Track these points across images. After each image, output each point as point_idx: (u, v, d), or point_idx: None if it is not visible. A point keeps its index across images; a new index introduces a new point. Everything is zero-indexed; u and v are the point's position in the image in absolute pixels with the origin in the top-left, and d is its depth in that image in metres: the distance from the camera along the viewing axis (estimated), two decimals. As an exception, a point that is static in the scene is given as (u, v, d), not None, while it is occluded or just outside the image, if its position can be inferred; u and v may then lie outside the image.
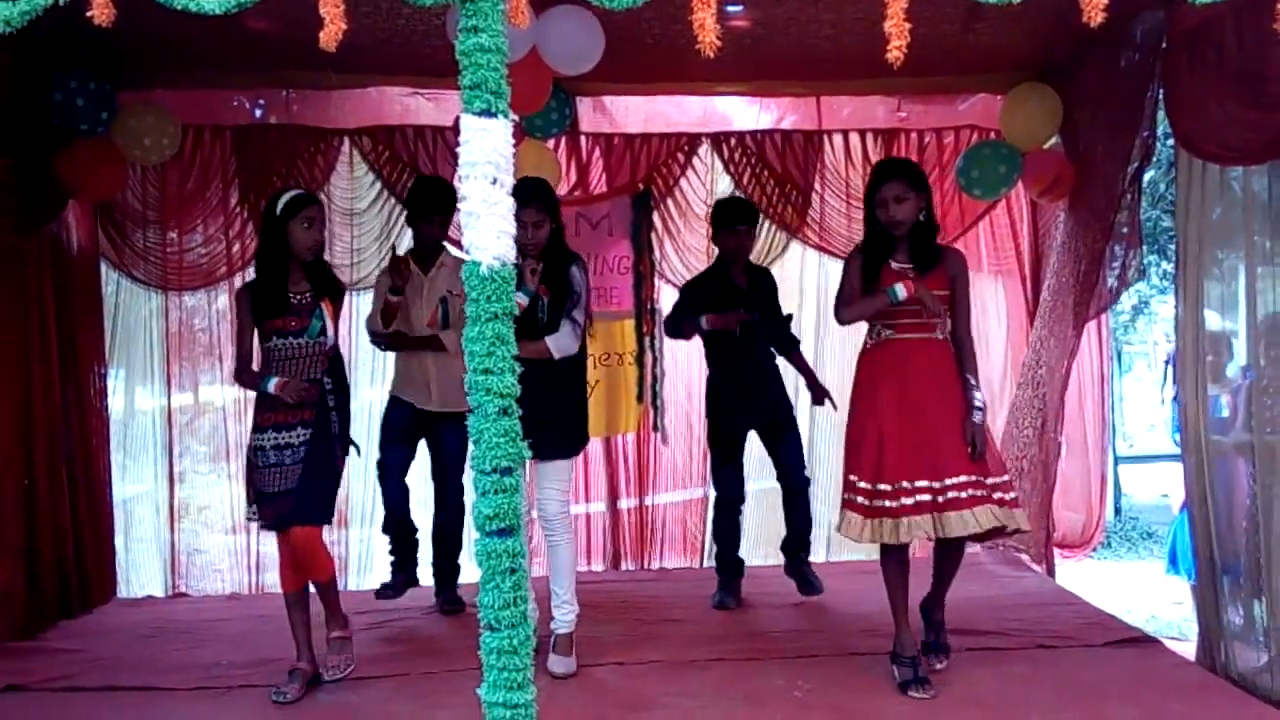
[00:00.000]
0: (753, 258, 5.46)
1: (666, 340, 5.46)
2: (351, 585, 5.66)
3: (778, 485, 4.95)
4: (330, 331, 3.78)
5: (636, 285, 5.49)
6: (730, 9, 4.39)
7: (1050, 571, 5.69)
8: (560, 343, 3.92)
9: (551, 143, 5.49)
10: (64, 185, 4.86)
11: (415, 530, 4.80)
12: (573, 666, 3.95)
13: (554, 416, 3.86)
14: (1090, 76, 5.08)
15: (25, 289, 4.81)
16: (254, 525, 4.18)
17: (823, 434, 5.87)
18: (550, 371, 3.86)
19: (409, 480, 4.76)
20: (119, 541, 5.63)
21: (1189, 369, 4.00)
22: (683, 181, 5.71)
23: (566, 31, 4.12)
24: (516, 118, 5.10)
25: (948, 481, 3.50)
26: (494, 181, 2.44)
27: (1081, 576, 6.12)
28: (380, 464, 4.68)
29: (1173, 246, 5.04)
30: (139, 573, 5.74)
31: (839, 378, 5.03)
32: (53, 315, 4.99)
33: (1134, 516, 9.84)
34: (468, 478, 4.26)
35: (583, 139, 5.67)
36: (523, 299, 3.62)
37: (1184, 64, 4.06)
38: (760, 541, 5.27)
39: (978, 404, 3.65)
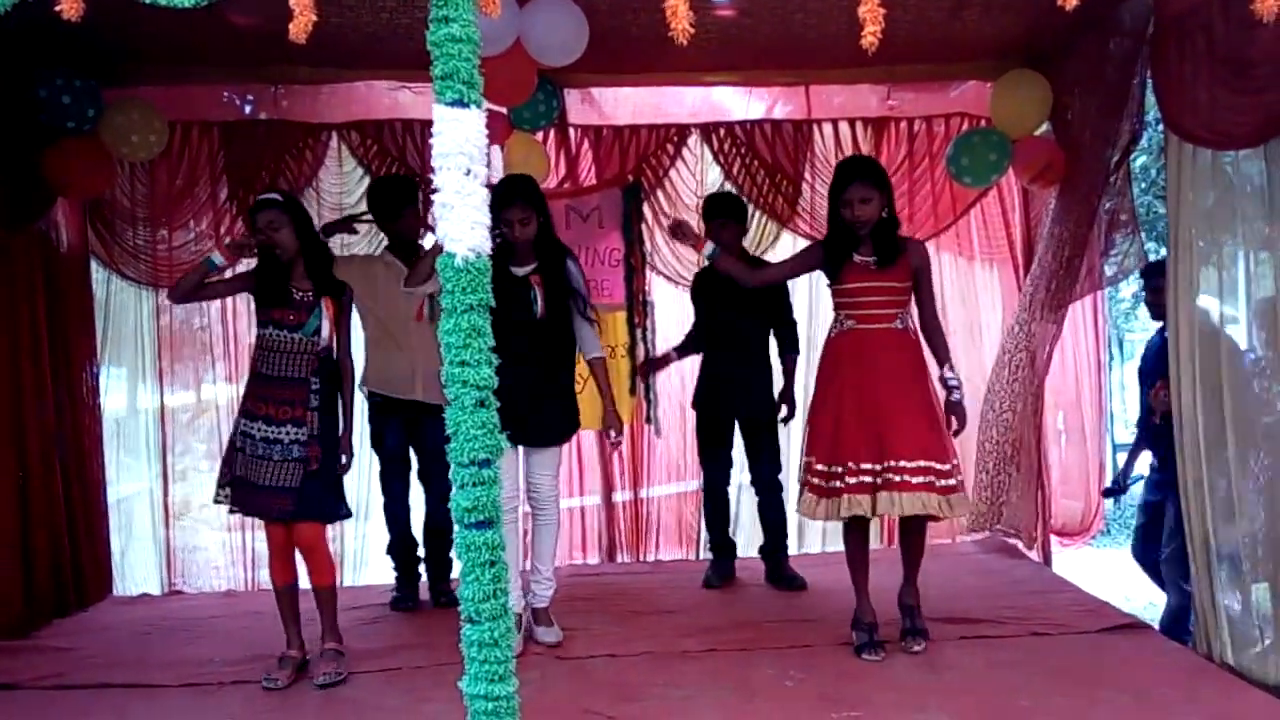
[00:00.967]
0: (745, 247, 5.47)
1: (658, 333, 5.46)
2: (347, 581, 5.66)
3: None
4: (326, 332, 3.85)
5: (628, 278, 5.47)
6: (715, -1, 4.37)
7: (1046, 559, 5.70)
8: (597, 346, 4.27)
9: (540, 135, 5.47)
10: (52, 183, 4.86)
11: (416, 546, 4.95)
12: (559, 634, 4.18)
13: (545, 405, 4.07)
14: (1079, 62, 5.05)
15: (15, 287, 4.80)
16: (239, 517, 4.41)
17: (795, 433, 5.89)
18: (540, 361, 4.02)
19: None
20: (116, 540, 5.63)
21: (1183, 355, 3.97)
22: (672, 172, 5.69)
23: (549, 22, 4.12)
24: (504, 110, 5.12)
25: (888, 464, 3.73)
26: (467, 172, 2.43)
27: (1080, 564, 6.11)
28: (385, 499, 4.88)
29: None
30: (135, 571, 5.74)
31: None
32: (43, 313, 5.00)
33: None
34: None
35: (571, 131, 5.64)
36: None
37: (1172, 48, 4.03)
38: (755, 535, 5.26)
39: (953, 383, 3.88)
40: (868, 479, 3.75)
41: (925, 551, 4.04)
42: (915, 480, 3.73)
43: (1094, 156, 4.89)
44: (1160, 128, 4.60)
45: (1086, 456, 5.95)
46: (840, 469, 3.79)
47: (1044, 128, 5.46)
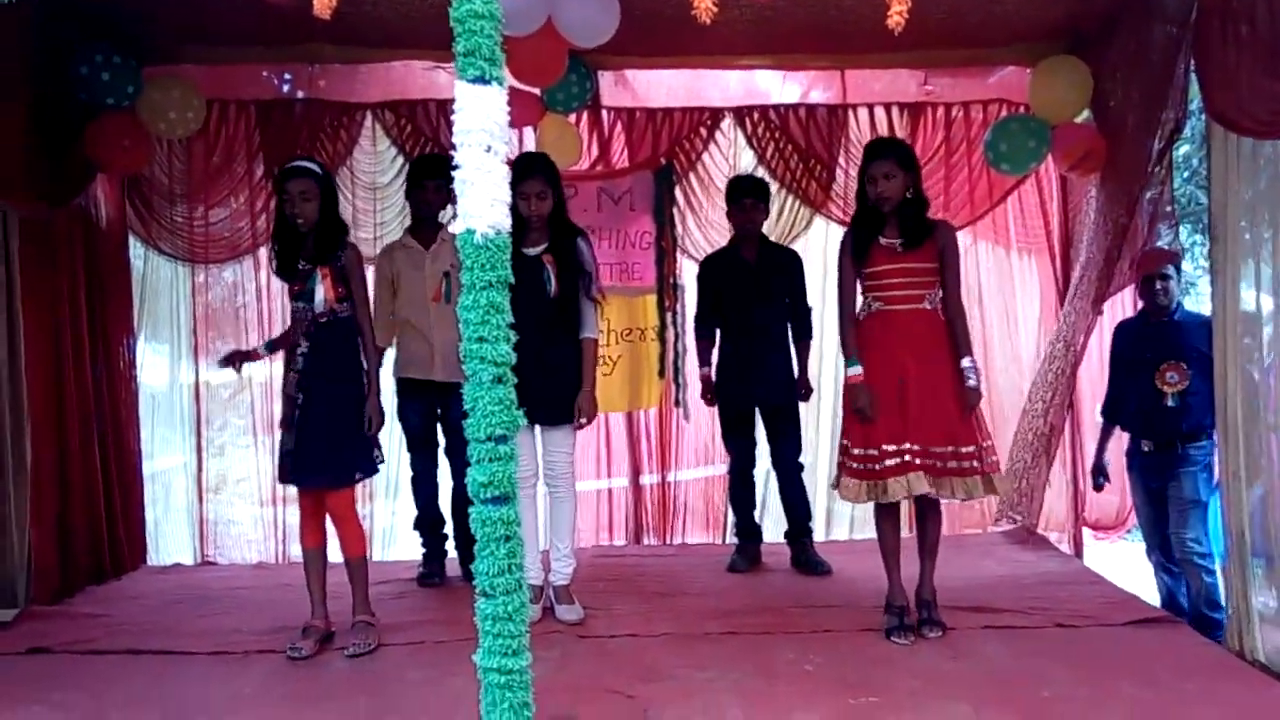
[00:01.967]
0: (776, 232, 5.45)
1: (688, 316, 5.45)
2: (375, 556, 5.72)
3: None
4: (320, 298, 3.85)
5: (659, 260, 5.49)
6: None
7: (1078, 552, 5.64)
8: (593, 327, 4.23)
9: (573, 117, 5.47)
10: (91, 159, 4.94)
11: (444, 523, 4.98)
12: (581, 613, 4.21)
13: (559, 384, 4.10)
14: (1121, 48, 4.97)
15: (55, 261, 4.89)
16: (272, 492, 4.61)
17: (825, 421, 5.90)
18: (554, 340, 4.05)
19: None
20: (151, 511, 5.73)
21: (1226, 348, 3.90)
22: (705, 156, 5.68)
23: (582, 3, 4.10)
24: (538, 91, 5.12)
25: (912, 446, 3.77)
26: (488, 149, 2.42)
27: (1114, 558, 6.03)
28: (412, 475, 4.94)
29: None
30: (169, 542, 5.84)
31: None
32: (83, 287, 5.09)
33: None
34: None
35: (604, 113, 5.64)
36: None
37: (1215, 35, 3.95)
38: (781, 519, 5.24)
39: (969, 372, 3.85)
40: (896, 460, 3.78)
41: (948, 541, 4.05)
42: (939, 464, 3.77)
43: (1137, 145, 4.80)
44: (1202, 116, 4.53)
45: (1121, 450, 5.86)
46: (875, 451, 3.80)
47: (1084, 115, 5.39)
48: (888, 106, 5.71)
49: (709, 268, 5.13)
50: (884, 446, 3.79)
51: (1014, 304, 6.05)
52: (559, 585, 4.27)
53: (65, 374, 4.93)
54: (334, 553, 4.11)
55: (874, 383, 3.86)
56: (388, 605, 4.50)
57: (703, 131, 5.68)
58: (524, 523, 2.56)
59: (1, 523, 4.55)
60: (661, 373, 5.49)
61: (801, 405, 5.10)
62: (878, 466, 3.79)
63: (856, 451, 3.87)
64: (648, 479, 5.93)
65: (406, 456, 5.02)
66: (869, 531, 5.50)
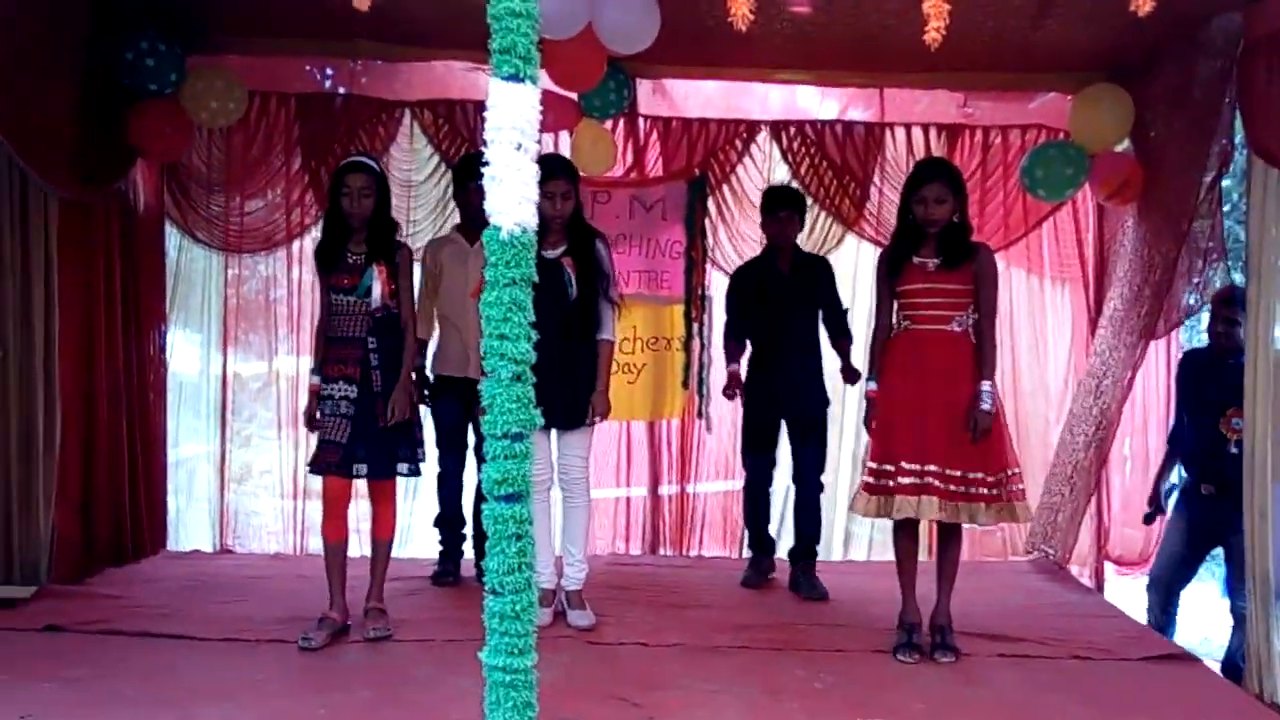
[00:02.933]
0: (807, 248, 5.42)
1: (715, 327, 5.43)
2: (394, 553, 5.72)
3: None
4: (377, 294, 3.92)
5: (688, 271, 5.49)
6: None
7: (1099, 585, 5.57)
8: (610, 329, 4.22)
9: (609, 124, 5.48)
10: (132, 144, 5.00)
11: (464, 523, 5.00)
12: (592, 618, 4.20)
13: (576, 386, 4.11)
14: (1164, 79, 4.94)
15: (92, 243, 4.93)
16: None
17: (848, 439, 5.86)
18: (572, 343, 4.06)
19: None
20: (174, 498, 5.78)
21: (1259, 385, 3.85)
22: (739, 168, 5.67)
23: (621, 9, 4.11)
24: (575, 96, 5.14)
25: (930, 468, 3.76)
26: (518, 147, 2.43)
27: (1137, 593, 5.94)
28: (439, 472, 4.92)
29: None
30: (189, 529, 5.87)
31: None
32: (118, 271, 5.13)
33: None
34: None
35: (641, 121, 5.65)
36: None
37: (1261, 69, 3.92)
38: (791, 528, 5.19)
39: (985, 397, 3.79)
40: (915, 480, 3.78)
41: (967, 567, 4.01)
42: (956, 489, 3.76)
43: (1179, 177, 4.77)
44: (1244, 150, 4.48)
45: (1147, 485, 5.79)
46: (891, 468, 3.81)
47: (1124, 144, 5.34)
48: (925, 127, 5.69)
49: (742, 277, 5.09)
50: (901, 464, 3.80)
51: (1044, 332, 6.00)
52: (571, 590, 4.27)
53: (97, 356, 4.98)
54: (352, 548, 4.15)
55: (899, 401, 3.88)
56: (401, 602, 4.52)
57: (738, 144, 5.67)
58: (537, 526, 2.55)
59: (29, 501, 4.61)
60: (685, 383, 5.49)
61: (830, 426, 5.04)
62: (891, 483, 3.81)
63: (872, 465, 3.91)
64: (666, 489, 5.90)
65: (434, 454, 4.98)
66: (886, 554, 5.47)
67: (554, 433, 4.15)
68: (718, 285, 5.57)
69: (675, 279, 5.48)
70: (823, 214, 5.64)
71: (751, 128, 5.68)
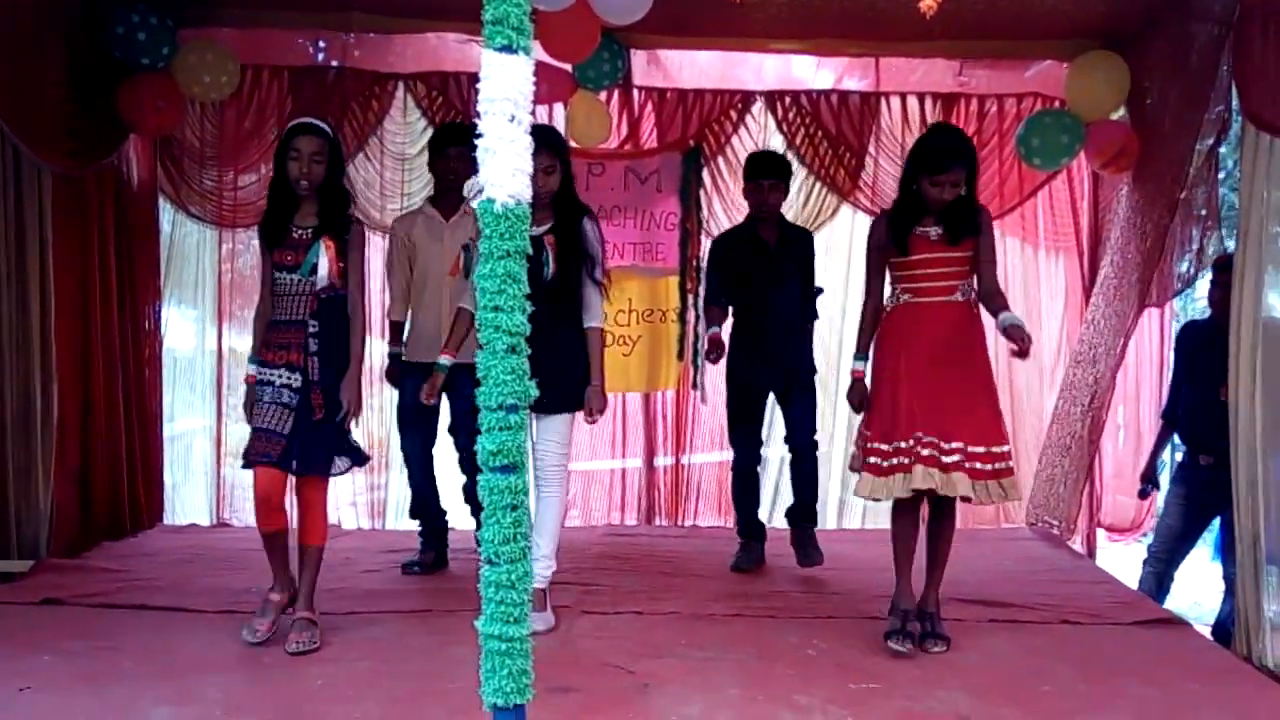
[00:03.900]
0: (801, 219, 5.42)
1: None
2: (390, 525, 5.78)
3: None
4: (324, 271, 3.52)
5: (683, 242, 5.49)
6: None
7: (1091, 552, 5.61)
8: (599, 314, 3.93)
9: (604, 95, 5.46)
10: (124, 119, 4.98)
11: (444, 514, 4.78)
12: (551, 620, 3.90)
13: (556, 371, 3.63)
14: (1160, 46, 4.93)
15: (86, 218, 4.93)
16: None
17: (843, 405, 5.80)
18: (552, 327, 3.59)
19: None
20: (170, 472, 5.80)
21: (1243, 351, 3.87)
22: (734, 139, 5.66)
23: (615, -21, 4.10)
24: (569, 68, 5.12)
25: (939, 443, 3.54)
26: (512, 119, 2.42)
27: (1129, 560, 6.00)
28: (402, 449, 4.71)
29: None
30: (186, 503, 5.90)
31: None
32: (112, 245, 5.14)
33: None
34: None
35: (635, 92, 5.64)
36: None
37: (1256, 35, 3.90)
38: (785, 502, 5.20)
39: (1011, 320, 3.57)
40: (923, 451, 3.55)
41: (959, 534, 3.86)
42: (967, 464, 3.52)
43: (1173, 145, 4.77)
44: (1239, 117, 4.48)
45: (1139, 453, 5.83)
46: (904, 444, 3.58)
47: (1120, 112, 5.34)
48: (921, 96, 5.68)
49: (724, 246, 4.85)
50: (905, 441, 3.57)
51: (1038, 302, 6.00)
52: (535, 588, 3.70)
53: (92, 331, 4.99)
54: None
55: (900, 376, 3.64)
56: (396, 574, 4.57)
57: (733, 114, 5.66)
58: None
59: (28, 475, 4.63)
60: (680, 355, 5.50)
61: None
62: (904, 460, 3.56)
63: (877, 445, 3.65)
64: (662, 460, 5.93)
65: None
66: (880, 522, 5.54)
67: (531, 417, 3.73)
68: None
69: (670, 250, 5.48)
70: (817, 184, 5.63)
71: (746, 98, 5.67)
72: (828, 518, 5.80)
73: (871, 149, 5.65)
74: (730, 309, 4.78)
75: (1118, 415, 5.91)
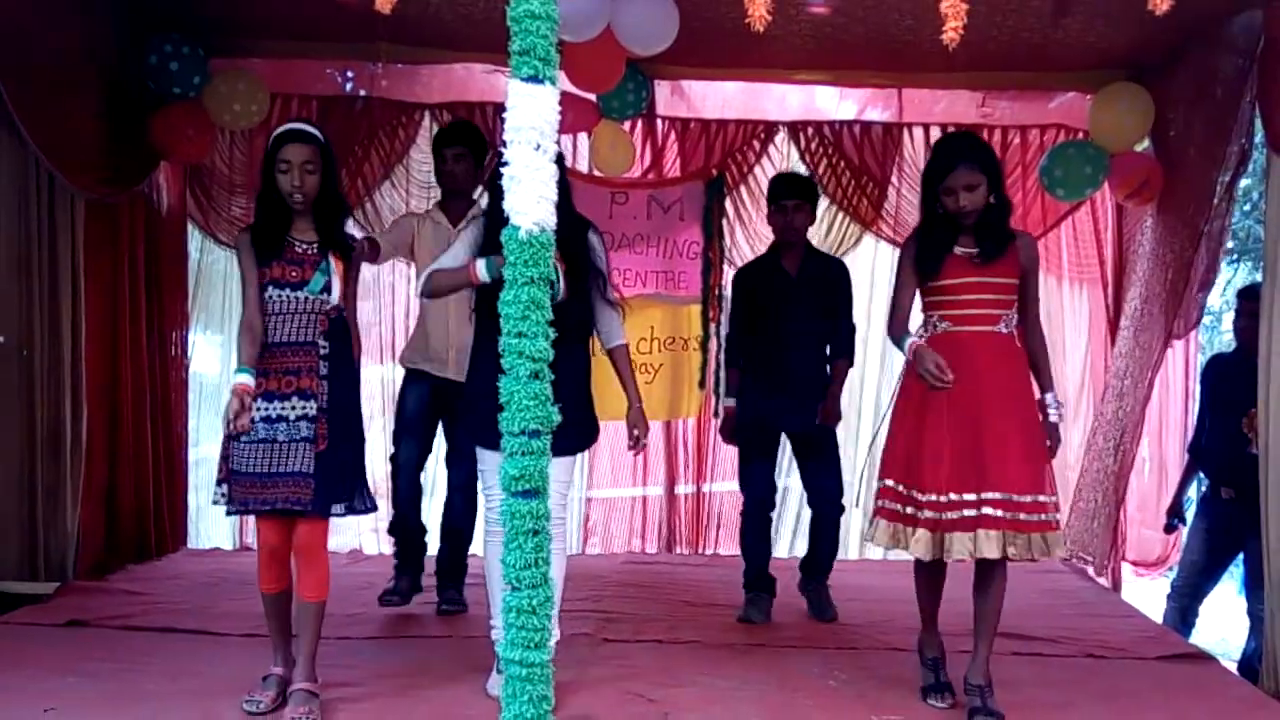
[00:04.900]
0: (825, 248, 5.40)
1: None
2: (386, 550, 5.77)
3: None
4: (337, 292, 3.23)
5: (705, 271, 5.52)
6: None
7: (1116, 586, 5.55)
8: (620, 332, 3.61)
9: (628, 125, 5.51)
10: (156, 146, 5.06)
11: (424, 532, 4.50)
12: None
13: (565, 406, 3.00)
14: (1185, 77, 4.93)
15: (117, 244, 5.01)
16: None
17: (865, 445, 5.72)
18: (561, 356, 3.03)
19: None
20: (195, 497, 5.83)
21: (1274, 385, 3.84)
22: (757, 169, 5.68)
23: (641, 11, 4.14)
24: (593, 98, 5.18)
25: (986, 496, 3.18)
26: (537, 148, 2.48)
27: (1154, 594, 5.94)
28: (393, 459, 4.40)
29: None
30: (210, 528, 5.93)
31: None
32: (142, 271, 5.21)
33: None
34: None
35: (659, 122, 5.69)
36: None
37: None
38: (801, 532, 5.16)
39: (1054, 409, 3.40)
40: (968, 512, 3.18)
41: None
42: (1008, 514, 3.18)
43: (1198, 176, 4.76)
44: (1264, 149, 4.47)
45: (1165, 487, 5.78)
46: (933, 498, 3.22)
47: (1144, 144, 5.34)
48: (944, 127, 5.66)
49: (745, 278, 4.61)
50: (952, 495, 3.19)
51: (1062, 334, 5.97)
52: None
53: (121, 355, 5.05)
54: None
55: (938, 416, 3.25)
56: (417, 597, 4.58)
57: (756, 144, 5.69)
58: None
59: (55, 497, 4.67)
60: (702, 383, 5.51)
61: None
62: (930, 514, 3.22)
63: (902, 491, 3.30)
64: (683, 489, 5.94)
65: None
66: (904, 552, 5.50)
67: None
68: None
69: (692, 279, 5.51)
70: (840, 214, 5.65)
71: (769, 128, 5.70)
72: (849, 548, 5.76)
73: (895, 179, 5.66)
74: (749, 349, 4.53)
75: (1142, 449, 5.88)
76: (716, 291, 5.48)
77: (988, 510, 3.17)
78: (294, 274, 3.22)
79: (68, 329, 4.65)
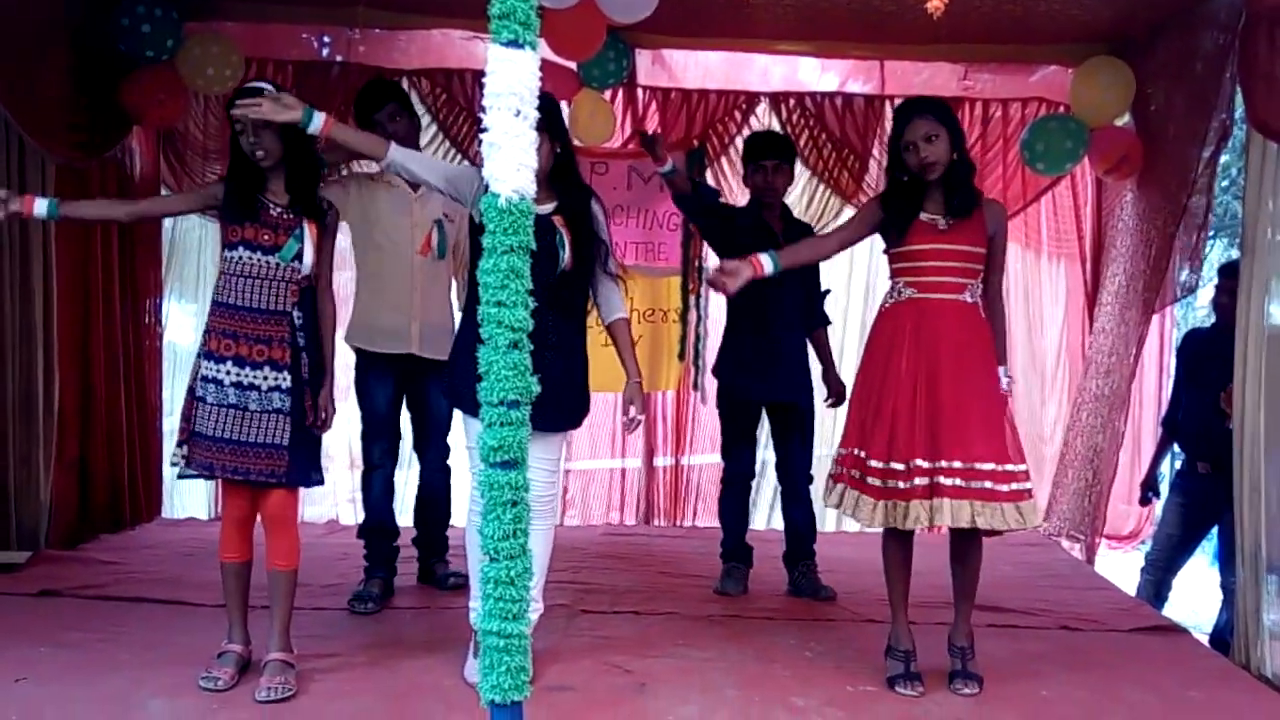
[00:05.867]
0: (806, 220, 5.37)
1: (711, 300, 5.44)
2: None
3: None
4: (309, 260, 3.14)
5: (685, 242, 5.51)
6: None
7: (1090, 559, 5.60)
8: (621, 305, 3.47)
9: (608, 94, 5.46)
10: (128, 111, 4.97)
11: (397, 535, 4.26)
12: None
13: (559, 382, 3.10)
14: (1166, 53, 4.93)
15: (88, 210, 4.93)
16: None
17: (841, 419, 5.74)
18: (559, 328, 3.20)
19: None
20: (169, 466, 5.78)
21: (1249, 359, 3.86)
22: (738, 140, 5.62)
23: (621, -22, 4.09)
24: (574, 66, 5.12)
25: (942, 464, 3.15)
26: (517, 114, 2.42)
27: (1128, 567, 5.99)
28: (365, 469, 4.17)
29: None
30: (184, 498, 5.89)
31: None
32: (115, 239, 5.14)
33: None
34: (453, 437, 4.06)
35: (640, 92, 5.64)
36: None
37: (1262, 43, 3.88)
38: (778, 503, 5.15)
39: (1003, 380, 3.36)
40: (920, 480, 3.16)
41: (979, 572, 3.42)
42: (978, 485, 3.15)
43: (1178, 152, 4.77)
44: (1244, 125, 4.48)
45: (1141, 462, 5.82)
46: (901, 467, 3.18)
47: (1125, 118, 5.34)
48: (925, 100, 5.67)
49: (728, 211, 4.53)
50: (914, 462, 3.17)
51: (1039, 309, 6.01)
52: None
53: (94, 323, 4.99)
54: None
55: (900, 384, 3.23)
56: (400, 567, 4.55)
57: (737, 115, 5.65)
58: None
59: (29, 466, 4.63)
60: (681, 355, 5.51)
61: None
62: (901, 484, 3.18)
63: (876, 464, 3.23)
64: (661, 461, 5.94)
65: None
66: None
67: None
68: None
69: (672, 250, 5.49)
70: (821, 186, 5.63)
71: (751, 99, 5.66)
72: (826, 520, 5.76)
73: (875, 152, 5.64)
74: (727, 311, 4.49)
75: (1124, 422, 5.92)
76: (696, 263, 5.47)
77: (943, 479, 3.15)
78: (266, 237, 3.11)
79: (39, 296, 4.61)
